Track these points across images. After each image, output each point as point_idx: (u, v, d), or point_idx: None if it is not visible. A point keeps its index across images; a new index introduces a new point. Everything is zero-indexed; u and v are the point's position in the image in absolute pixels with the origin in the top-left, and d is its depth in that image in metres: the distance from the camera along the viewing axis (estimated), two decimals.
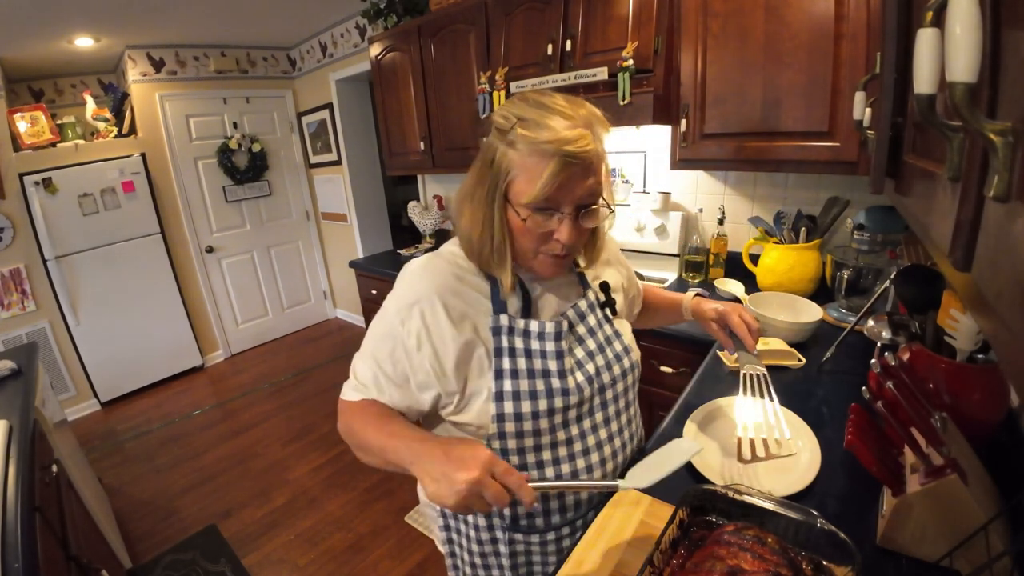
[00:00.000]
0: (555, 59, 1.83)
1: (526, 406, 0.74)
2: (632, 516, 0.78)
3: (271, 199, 4.02)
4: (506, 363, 0.75)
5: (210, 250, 3.75)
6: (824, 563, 0.61)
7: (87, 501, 1.63)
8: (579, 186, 0.68)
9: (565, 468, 0.78)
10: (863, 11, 1.21)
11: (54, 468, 1.38)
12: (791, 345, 1.30)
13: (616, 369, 0.84)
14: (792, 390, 1.15)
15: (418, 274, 0.77)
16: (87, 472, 2.06)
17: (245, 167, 3.78)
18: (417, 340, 0.73)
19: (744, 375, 0.96)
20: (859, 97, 0.87)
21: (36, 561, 0.94)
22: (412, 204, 3.04)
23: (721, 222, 1.88)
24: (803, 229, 1.63)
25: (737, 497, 0.68)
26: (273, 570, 1.93)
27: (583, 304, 0.84)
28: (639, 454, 0.91)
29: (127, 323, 3.33)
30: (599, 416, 0.82)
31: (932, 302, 0.85)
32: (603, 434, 0.82)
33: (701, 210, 2.00)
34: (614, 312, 0.89)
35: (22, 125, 2.89)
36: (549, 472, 0.78)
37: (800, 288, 1.61)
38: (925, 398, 0.71)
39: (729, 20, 1.44)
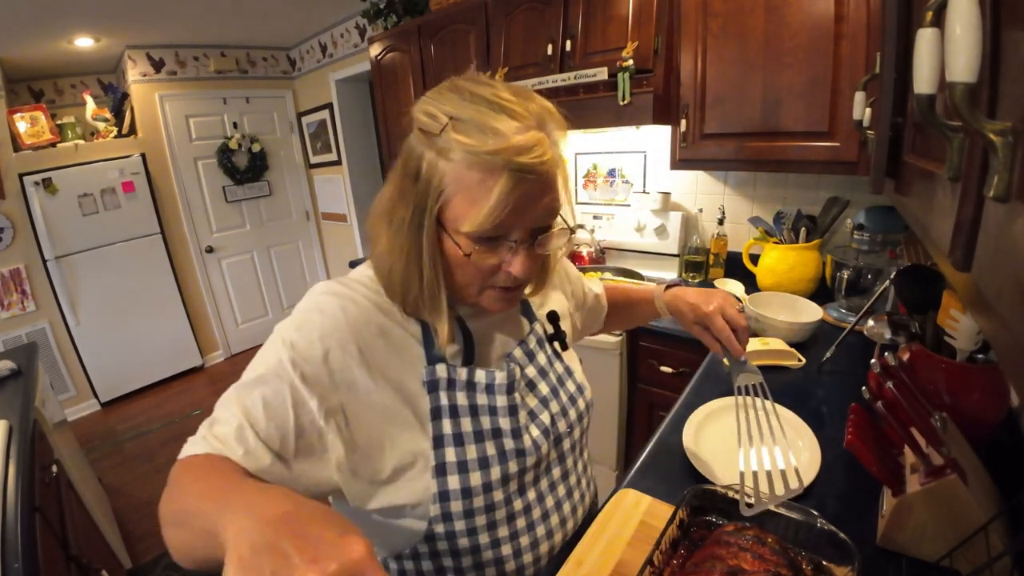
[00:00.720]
0: (555, 59, 1.83)
1: (476, 478, 0.59)
2: (632, 516, 0.78)
3: (271, 199, 4.02)
4: (447, 427, 0.59)
5: (210, 250, 3.75)
6: (824, 563, 0.61)
7: (87, 501, 1.63)
8: (535, 206, 0.54)
9: (524, 540, 0.66)
10: (863, 11, 1.21)
11: (54, 468, 1.38)
12: (791, 345, 1.30)
13: (572, 414, 0.71)
14: (792, 390, 1.15)
15: (328, 300, 0.58)
16: (87, 472, 2.06)
17: (245, 167, 3.78)
18: (317, 375, 0.54)
19: (738, 388, 0.75)
20: (859, 97, 0.87)
21: (36, 561, 0.94)
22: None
23: (721, 222, 1.88)
24: (803, 229, 1.63)
25: (737, 497, 0.68)
26: None
27: (532, 340, 0.70)
28: (593, 506, 0.81)
29: (127, 323, 3.33)
30: (556, 472, 0.70)
31: (932, 302, 0.85)
32: (561, 491, 0.71)
33: (701, 210, 2.00)
34: (564, 346, 0.75)
35: (22, 125, 2.89)
36: (506, 550, 0.64)
37: (800, 288, 1.61)
38: (925, 398, 0.71)
39: (729, 20, 1.44)
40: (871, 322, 1.07)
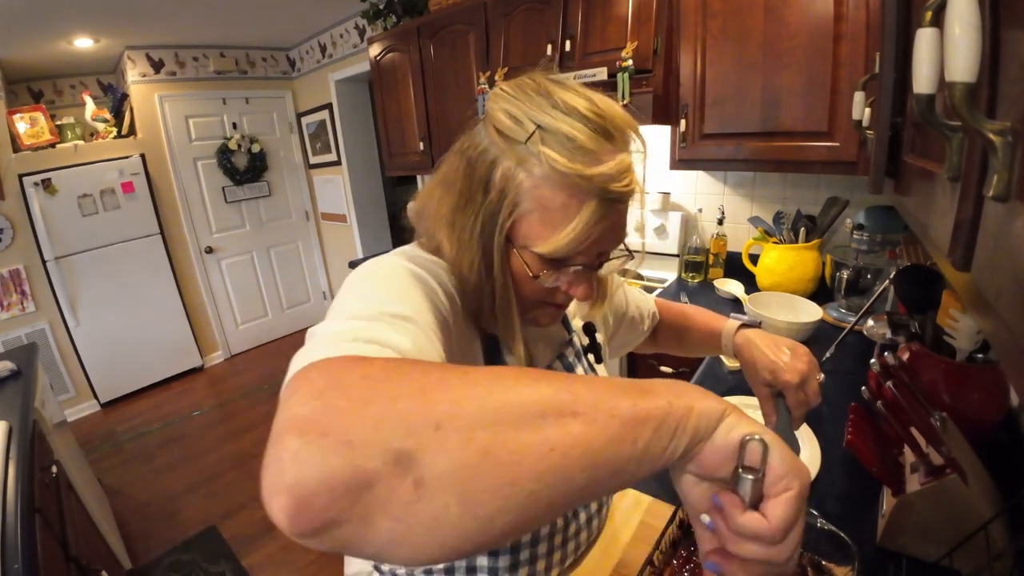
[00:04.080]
0: (554, 60, 1.83)
1: None
2: (632, 516, 0.78)
3: (270, 200, 4.02)
4: None
5: (209, 251, 3.75)
6: (824, 563, 0.61)
7: (87, 502, 1.63)
8: (613, 234, 0.51)
9: (557, 556, 0.64)
10: (862, 11, 1.21)
11: (54, 469, 1.38)
12: None
13: None
14: None
15: (416, 255, 0.53)
16: (87, 473, 2.06)
17: (244, 168, 3.78)
18: (446, 312, 0.47)
19: None
20: (858, 97, 0.87)
21: (36, 562, 0.94)
22: (411, 204, 3.03)
23: (720, 222, 1.88)
24: (802, 229, 1.63)
25: None
26: (273, 571, 1.93)
27: (570, 354, 0.67)
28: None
29: (127, 324, 3.32)
30: None
31: (932, 302, 0.85)
32: (593, 507, 0.70)
33: (700, 210, 2.00)
34: (599, 358, 0.72)
35: (21, 126, 2.89)
36: (540, 565, 0.62)
37: (799, 288, 1.61)
38: (925, 398, 0.71)
39: (728, 20, 1.44)
40: (871, 322, 1.07)
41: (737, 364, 1.24)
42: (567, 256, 0.50)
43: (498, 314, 0.53)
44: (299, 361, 0.31)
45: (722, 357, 1.29)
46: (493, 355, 0.56)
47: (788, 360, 0.68)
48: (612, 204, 0.47)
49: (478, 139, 0.50)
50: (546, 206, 0.47)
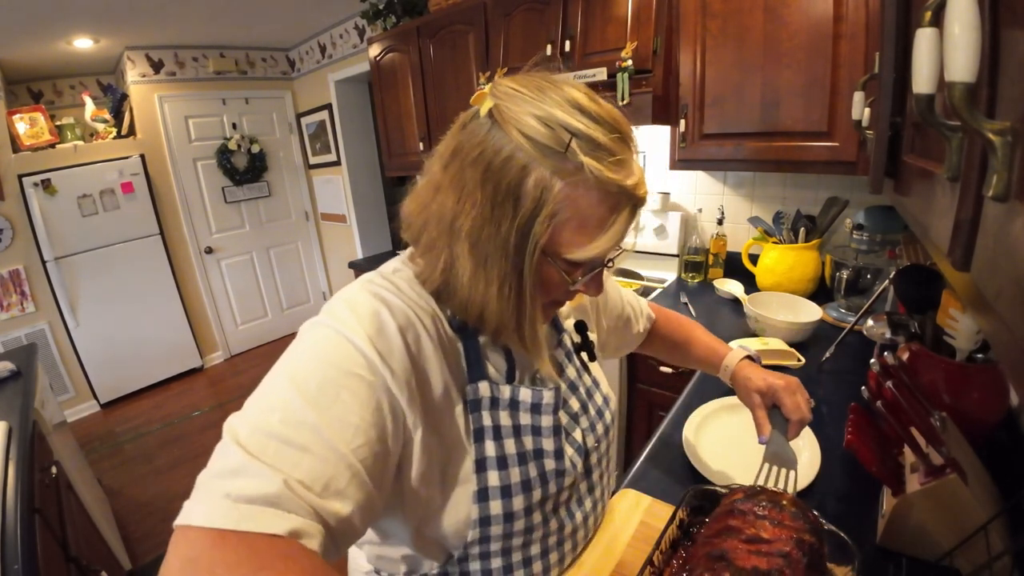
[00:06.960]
0: (554, 60, 1.83)
1: (518, 502, 0.56)
2: (632, 516, 0.78)
3: (270, 200, 4.02)
4: (490, 449, 0.55)
5: (209, 251, 3.75)
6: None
7: (87, 502, 1.63)
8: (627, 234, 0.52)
9: (553, 557, 0.64)
10: (862, 11, 1.21)
11: (53, 469, 1.38)
12: (790, 345, 1.30)
13: (599, 428, 0.69)
14: None
15: (385, 293, 0.52)
16: (87, 473, 2.06)
17: (244, 168, 3.78)
18: (405, 372, 0.48)
19: (765, 467, 0.70)
20: (858, 97, 0.87)
21: (36, 562, 0.94)
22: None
23: (720, 222, 1.88)
24: (802, 229, 1.63)
25: None
26: None
27: (561, 353, 0.67)
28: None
29: (126, 324, 3.32)
30: (583, 487, 0.67)
31: (931, 302, 0.85)
32: (588, 505, 0.69)
33: (700, 210, 2.00)
34: (592, 356, 0.72)
35: (21, 126, 2.89)
36: (537, 567, 0.62)
37: (799, 288, 1.61)
38: (925, 398, 0.71)
39: (728, 20, 1.45)
40: (870, 322, 1.07)
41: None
42: (599, 259, 0.52)
43: (525, 331, 0.52)
44: (185, 511, 0.41)
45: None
46: (474, 362, 0.56)
47: (779, 376, 0.75)
48: (637, 208, 0.51)
49: (496, 142, 0.47)
50: (585, 214, 0.48)
